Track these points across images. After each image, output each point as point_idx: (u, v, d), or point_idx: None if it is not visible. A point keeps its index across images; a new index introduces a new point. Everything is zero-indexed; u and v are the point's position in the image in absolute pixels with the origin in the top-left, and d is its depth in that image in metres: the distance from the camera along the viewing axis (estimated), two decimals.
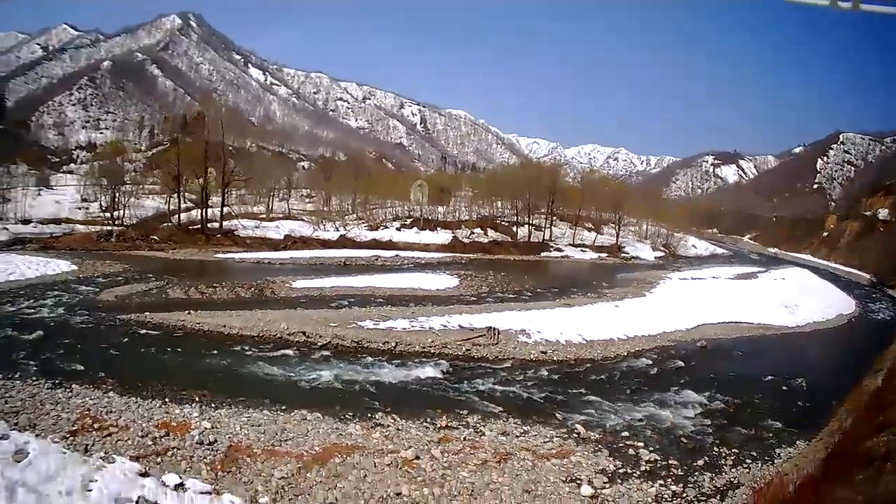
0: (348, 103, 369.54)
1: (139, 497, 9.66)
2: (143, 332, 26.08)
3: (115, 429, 14.97)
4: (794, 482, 10.89)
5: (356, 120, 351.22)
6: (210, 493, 10.94)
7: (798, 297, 47.27)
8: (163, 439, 14.64)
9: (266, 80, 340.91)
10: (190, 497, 10.37)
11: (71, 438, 14.14)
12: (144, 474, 10.94)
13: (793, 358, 29.61)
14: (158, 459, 13.53)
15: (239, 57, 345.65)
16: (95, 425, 15.08)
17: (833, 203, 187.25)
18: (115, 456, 12.06)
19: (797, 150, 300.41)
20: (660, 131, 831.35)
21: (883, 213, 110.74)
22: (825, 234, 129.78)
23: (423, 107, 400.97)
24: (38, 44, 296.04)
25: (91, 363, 20.62)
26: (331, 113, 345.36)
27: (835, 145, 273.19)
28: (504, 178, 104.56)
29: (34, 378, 18.32)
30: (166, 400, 17.31)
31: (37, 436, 12.17)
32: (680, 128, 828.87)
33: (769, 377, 24.82)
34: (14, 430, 11.60)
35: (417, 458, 14.75)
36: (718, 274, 65.10)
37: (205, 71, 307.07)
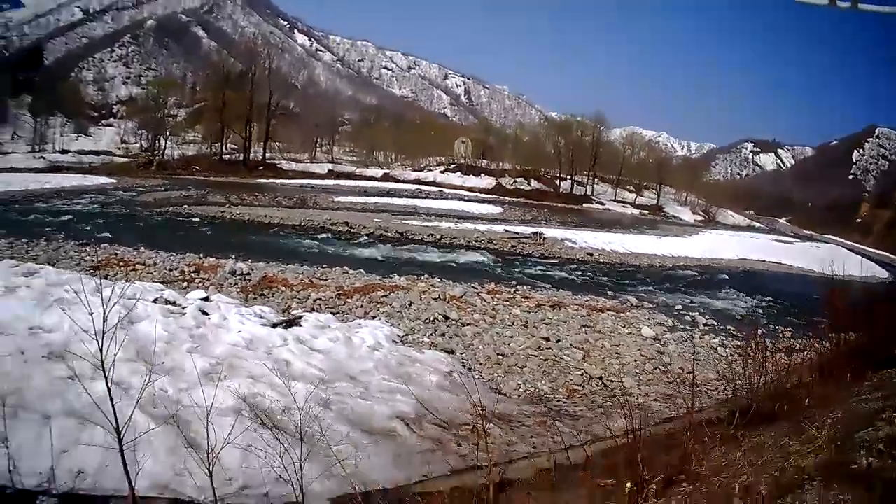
0: (392, 72, 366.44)
1: (157, 297, 9.22)
2: (180, 219, 26.20)
3: (141, 266, 14.35)
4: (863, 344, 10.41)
5: (400, 89, 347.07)
6: (237, 305, 10.18)
7: (834, 259, 47.04)
8: (192, 273, 14.11)
9: (311, 45, 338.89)
10: (215, 303, 9.65)
11: (92, 272, 12.95)
12: (166, 289, 10.50)
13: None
14: (185, 286, 12.74)
15: (285, 22, 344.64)
16: (121, 263, 14.52)
17: (867, 193, 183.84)
18: (137, 282, 11.45)
19: (834, 143, 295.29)
20: (703, 118, 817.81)
21: None
22: (858, 220, 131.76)
23: (468, 79, 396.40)
24: (78, 6, 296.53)
25: (123, 234, 20.14)
26: (375, 81, 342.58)
27: (870, 139, 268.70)
28: (549, 133, 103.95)
29: (60, 241, 17.41)
30: (200, 255, 16.69)
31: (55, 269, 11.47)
32: (722, 115, 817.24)
33: (815, 297, 24.35)
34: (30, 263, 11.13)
35: (465, 295, 14.30)
36: (757, 236, 64.45)
37: (249, 34, 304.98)
